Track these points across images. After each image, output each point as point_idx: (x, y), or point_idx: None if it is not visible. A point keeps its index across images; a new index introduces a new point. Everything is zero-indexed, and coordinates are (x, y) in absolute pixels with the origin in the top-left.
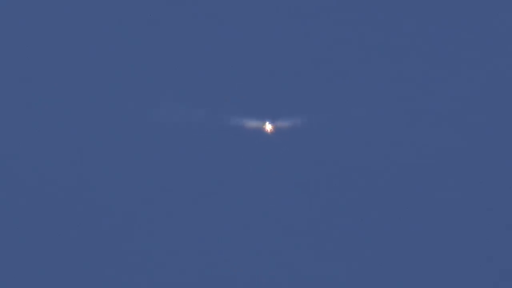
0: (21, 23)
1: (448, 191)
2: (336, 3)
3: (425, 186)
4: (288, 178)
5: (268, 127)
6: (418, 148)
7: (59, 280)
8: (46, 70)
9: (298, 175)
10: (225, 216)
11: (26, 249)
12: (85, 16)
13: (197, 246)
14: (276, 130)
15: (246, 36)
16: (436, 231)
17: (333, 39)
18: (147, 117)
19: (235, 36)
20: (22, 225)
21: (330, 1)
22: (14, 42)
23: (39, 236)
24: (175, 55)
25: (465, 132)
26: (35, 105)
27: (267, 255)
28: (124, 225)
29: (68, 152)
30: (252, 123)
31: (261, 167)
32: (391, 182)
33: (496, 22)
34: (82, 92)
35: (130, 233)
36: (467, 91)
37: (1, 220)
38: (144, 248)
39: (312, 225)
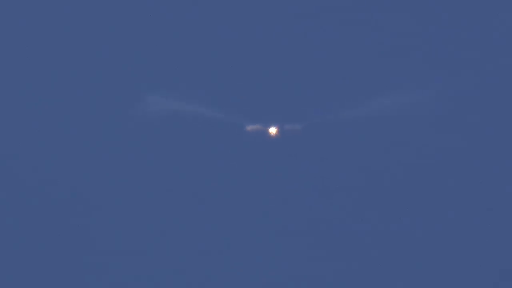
0: (13, 18)
1: (448, 191)
2: (345, 3)
3: (427, 187)
4: (292, 182)
5: (273, 130)
6: (418, 148)
7: (58, 280)
8: (37, 66)
9: (303, 179)
10: (230, 221)
11: (25, 249)
12: (82, 12)
13: (199, 248)
14: (282, 133)
15: (253, 38)
16: (436, 231)
17: (340, 41)
18: (148, 117)
19: (242, 38)
20: (21, 224)
21: (345, 1)
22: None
23: (36, 235)
24: (181, 55)
25: (465, 132)
26: (26, 101)
27: (272, 258)
28: (123, 225)
29: (67, 151)
30: (256, 126)
31: (265, 171)
32: (391, 182)
33: (496, 22)
34: (80, 88)
35: (130, 232)
36: (467, 91)
37: None
38: (144, 248)
39: (324, 228)
